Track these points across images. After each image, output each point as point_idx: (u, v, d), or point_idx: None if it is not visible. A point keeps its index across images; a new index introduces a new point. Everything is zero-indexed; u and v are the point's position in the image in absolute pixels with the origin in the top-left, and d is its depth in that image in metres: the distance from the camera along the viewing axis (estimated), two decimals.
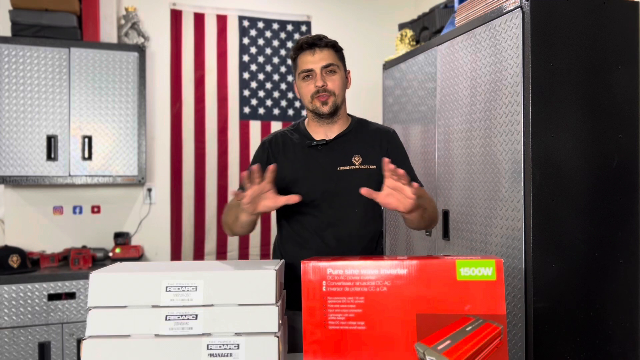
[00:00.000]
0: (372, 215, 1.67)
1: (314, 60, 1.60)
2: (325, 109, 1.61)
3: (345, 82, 1.68)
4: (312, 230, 1.63)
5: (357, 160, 1.64)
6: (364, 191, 1.34)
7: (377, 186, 1.63)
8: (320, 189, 1.62)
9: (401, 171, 1.29)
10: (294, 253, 1.63)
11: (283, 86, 3.69)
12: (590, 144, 1.91)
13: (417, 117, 2.67)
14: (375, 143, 1.68)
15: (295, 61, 1.67)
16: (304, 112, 3.72)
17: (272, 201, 1.42)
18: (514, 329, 1.90)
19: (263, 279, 1.15)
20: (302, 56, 1.63)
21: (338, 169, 1.63)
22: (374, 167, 1.64)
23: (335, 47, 1.64)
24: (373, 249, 1.68)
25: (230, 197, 3.53)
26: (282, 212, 1.71)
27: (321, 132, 1.68)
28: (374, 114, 2.87)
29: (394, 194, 1.34)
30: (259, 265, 1.24)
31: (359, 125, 1.72)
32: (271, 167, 1.40)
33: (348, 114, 1.74)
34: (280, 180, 1.66)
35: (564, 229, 1.86)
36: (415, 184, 1.32)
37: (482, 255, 1.90)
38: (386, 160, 1.31)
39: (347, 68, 1.71)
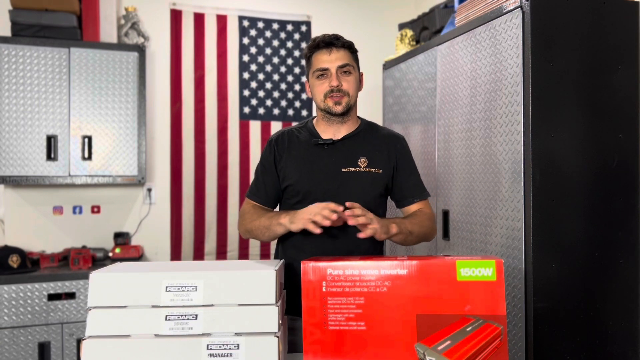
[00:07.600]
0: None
1: (330, 60, 1.58)
2: (339, 109, 1.59)
3: (359, 84, 1.67)
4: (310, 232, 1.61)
5: (362, 162, 1.62)
6: (362, 236, 1.42)
7: (382, 190, 1.64)
8: (322, 189, 1.59)
9: (357, 212, 1.39)
10: (293, 255, 1.60)
11: (283, 86, 3.69)
12: (590, 144, 1.91)
13: (417, 117, 2.67)
14: (384, 147, 1.66)
15: (309, 59, 1.64)
16: (304, 112, 3.72)
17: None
18: (514, 329, 1.90)
19: (263, 279, 1.15)
20: (318, 55, 1.61)
21: (342, 169, 1.60)
22: (379, 171, 1.62)
23: (351, 48, 1.63)
24: (375, 253, 1.65)
25: (230, 198, 3.53)
26: (282, 210, 1.69)
27: (329, 132, 1.65)
28: (374, 114, 2.87)
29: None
30: (259, 266, 1.24)
31: (368, 128, 1.70)
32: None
33: (358, 117, 1.72)
34: (283, 177, 1.65)
35: (564, 229, 1.86)
36: (369, 224, 1.40)
37: (482, 255, 1.90)
38: (348, 204, 1.41)
39: (361, 70, 1.69)
